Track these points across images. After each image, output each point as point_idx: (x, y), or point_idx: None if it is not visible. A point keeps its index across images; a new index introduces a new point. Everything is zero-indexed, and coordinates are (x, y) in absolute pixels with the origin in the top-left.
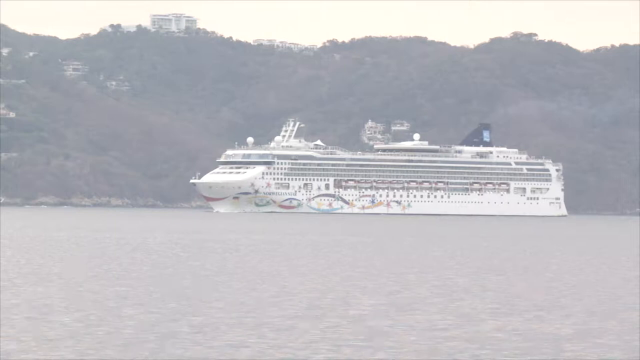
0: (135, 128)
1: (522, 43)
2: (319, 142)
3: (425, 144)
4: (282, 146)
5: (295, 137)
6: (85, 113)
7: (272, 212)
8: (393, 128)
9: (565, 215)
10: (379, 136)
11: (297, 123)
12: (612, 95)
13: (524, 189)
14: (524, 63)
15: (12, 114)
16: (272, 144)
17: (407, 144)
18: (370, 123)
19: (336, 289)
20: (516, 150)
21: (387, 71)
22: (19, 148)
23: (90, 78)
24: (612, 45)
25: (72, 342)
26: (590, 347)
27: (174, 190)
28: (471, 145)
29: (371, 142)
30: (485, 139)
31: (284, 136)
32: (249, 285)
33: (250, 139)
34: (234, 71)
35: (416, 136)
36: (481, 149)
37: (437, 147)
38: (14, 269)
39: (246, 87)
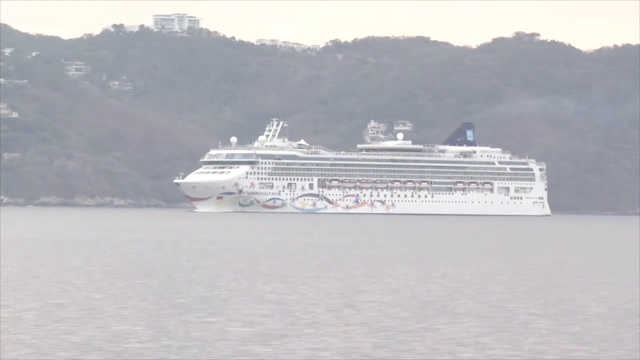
0: (137, 128)
1: (524, 43)
2: (302, 141)
3: (408, 144)
4: (266, 146)
5: (279, 136)
6: (87, 113)
7: (256, 212)
8: (395, 128)
9: (548, 215)
10: (382, 136)
11: (281, 123)
12: (614, 95)
13: (508, 188)
14: (526, 63)
15: (14, 114)
16: (256, 144)
17: (390, 144)
18: (372, 123)
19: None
20: (499, 149)
21: (389, 71)
22: (21, 148)
23: (92, 78)
24: (615, 45)
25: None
26: None
27: (175, 190)
28: (454, 145)
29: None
30: (468, 138)
31: (267, 136)
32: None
33: (233, 139)
34: (236, 71)
35: (399, 135)
36: (465, 148)
37: (421, 146)
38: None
39: (248, 87)
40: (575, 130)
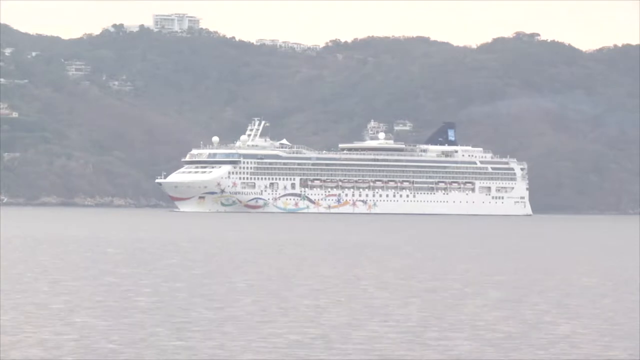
0: (137, 128)
1: (524, 43)
2: (284, 141)
3: (390, 143)
4: (248, 145)
5: (261, 136)
6: (87, 113)
7: (238, 212)
8: (396, 128)
9: (530, 215)
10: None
11: (263, 122)
12: (614, 95)
13: (489, 188)
14: (526, 63)
15: (14, 114)
16: (238, 143)
17: (372, 143)
18: (372, 123)
19: None
20: (481, 149)
21: (390, 71)
22: (21, 148)
23: (93, 78)
24: (615, 45)
25: None
26: None
27: None
28: (436, 144)
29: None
30: (450, 137)
31: (249, 135)
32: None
33: (215, 138)
34: (237, 71)
35: (381, 135)
36: (446, 147)
37: (403, 146)
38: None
39: (249, 87)
40: (575, 130)
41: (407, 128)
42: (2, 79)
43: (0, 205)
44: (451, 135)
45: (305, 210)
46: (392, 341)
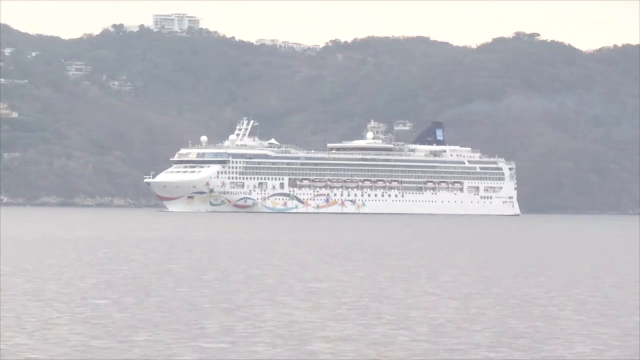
0: (137, 128)
1: (524, 43)
2: (273, 140)
3: (378, 143)
4: (237, 145)
5: (249, 135)
6: (87, 113)
7: (227, 211)
8: (395, 128)
9: (518, 215)
10: (382, 136)
11: (251, 121)
12: (614, 95)
13: (477, 187)
14: (526, 63)
15: (14, 114)
16: (227, 143)
17: (360, 143)
18: (372, 123)
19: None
20: (469, 149)
21: (390, 71)
22: (21, 148)
23: (92, 78)
24: (615, 45)
25: None
26: None
27: None
28: (424, 144)
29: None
30: (438, 137)
31: (238, 135)
32: None
33: (204, 138)
34: (237, 71)
35: (369, 135)
36: (434, 147)
37: (391, 145)
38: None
39: (249, 87)
40: (575, 130)
41: (407, 128)
42: (2, 79)
43: (0, 205)
44: (439, 134)
45: (294, 210)
46: None
